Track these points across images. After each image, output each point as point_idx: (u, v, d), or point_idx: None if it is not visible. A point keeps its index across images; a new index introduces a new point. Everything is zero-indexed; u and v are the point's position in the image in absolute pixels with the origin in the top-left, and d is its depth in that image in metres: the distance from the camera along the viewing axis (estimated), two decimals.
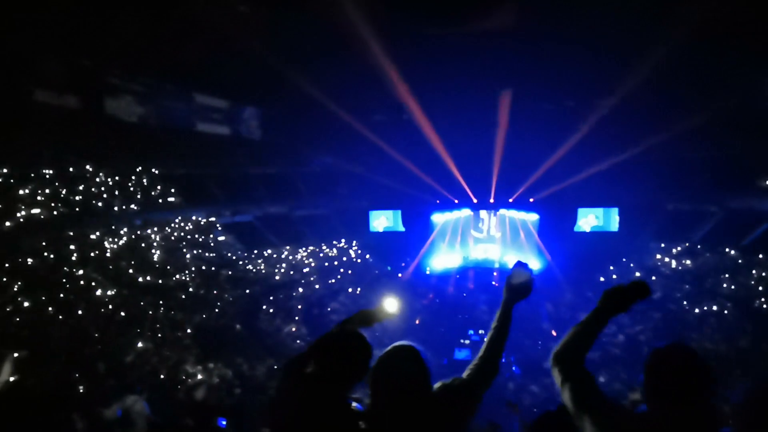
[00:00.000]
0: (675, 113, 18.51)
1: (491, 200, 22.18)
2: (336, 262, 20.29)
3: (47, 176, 13.98)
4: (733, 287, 15.30)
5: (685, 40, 14.57)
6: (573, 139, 19.35)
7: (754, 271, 15.47)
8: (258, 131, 23.53)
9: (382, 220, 23.33)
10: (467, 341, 15.40)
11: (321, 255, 20.65)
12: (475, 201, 22.36)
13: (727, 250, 17.10)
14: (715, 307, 14.44)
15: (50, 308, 11.09)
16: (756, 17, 13.62)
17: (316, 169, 24.01)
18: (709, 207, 19.59)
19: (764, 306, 13.86)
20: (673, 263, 17.76)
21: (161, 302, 13.53)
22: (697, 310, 14.60)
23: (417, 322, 16.86)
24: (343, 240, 22.04)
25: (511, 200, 22.02)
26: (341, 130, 21.55)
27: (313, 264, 19.64)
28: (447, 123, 20.77)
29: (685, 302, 15.41)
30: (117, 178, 15.97)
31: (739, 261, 16.34)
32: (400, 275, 20.77)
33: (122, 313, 12.18)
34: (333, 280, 18.70)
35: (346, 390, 2.12)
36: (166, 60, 16.34)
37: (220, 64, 17.18)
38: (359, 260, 21.11)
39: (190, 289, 14.89)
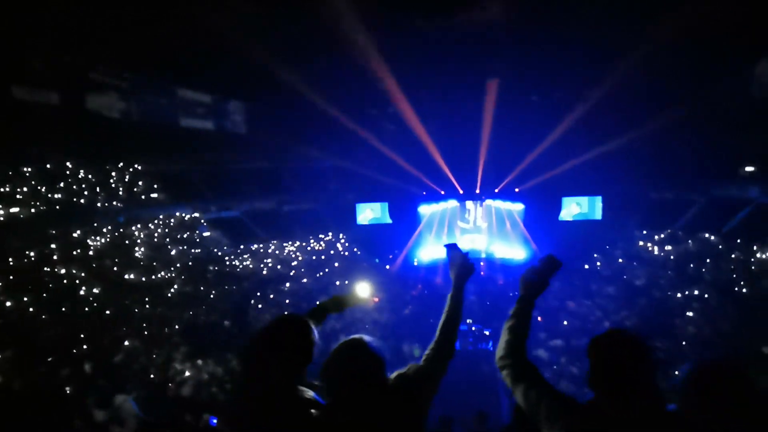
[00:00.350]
0: (659, 104, 18.79)
1: (477, 191, 22.30)
2: (324, 256, 20.26)
3: (27, 174, 13.73)
4: (714, 273, 15.57)
5: (671, 33, 14.74)
6: (558, 130, 19.50)
7: (734, 256, 15.77)
8: (244, 126, 23.36)
9: (369, 213, 23.33)
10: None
11: (309, 249, 20.61)
12: (461, 192, 22.46)
13: (708, 236, 17.40)
14: (697, 292, 14.69)
15: (33, 308, 10.94)
16: (740, 11, 13.81)
17: (302, 163, 23.90)
18: (691, 195, 19.94)
19: (744, 290, 14.13)
20: (656, 250, 18.04)
21: (148, 300, 13.39)
22: (679, 296, 14.85)
23: (407, 311, 16.93)
24: (330, 233, 22.00)
25: (496, 191, 22.16)
26: (327, 124, 21.46)
27: (301, 258, 19.59)
28: (433, 115, 20.80)
29: (668, 288, 15.66)
30: (99, 174, 15.73)
31: (720, 247, 16.64)
32: (387, 267, 20.79)
33: (108, 312, 12.04)
34: (321, 274, 18.66)
35: (293, 375, 2.11)
36: (149, 54, 16.12)
37: (204, 58, 16.99)
38: (347, 253, 21.10)
39: (177, 286, 14.77)
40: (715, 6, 13.99)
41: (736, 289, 14.40)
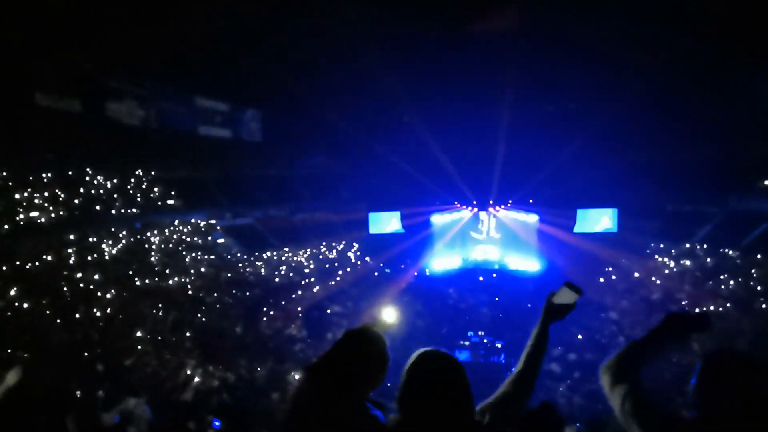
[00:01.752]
0: (676, 115, 18.58)
1: (491, 201, 22.20)
2: (336, 264, 20.29)
3: (46, 179, 13.95)
4: (733, 288, 15.29)
5: (687, 43, 14.64)
6: (573, 141, 19.37)
7: (753, 272, 15.47)
8: (258, 133, 23.55)
9: (381, 222, 23.34)
10: (467, 342, 15.38)
11: (321, 257, 20.66)
12: (474, 202, 22.38)
13: (726, 251, 17.09)
14: (714, 308, 14.44)
15: (49, 312, 11.08)
16: (757, 19, 13.66)
17: (315, 171, 24.03)
18: (708, 208, 19.62)
19: (764, 306, 13.84)
20: (673, 264, 17.75)
21: (161, 305, 13.50)
22: (697, 311, 14.59)
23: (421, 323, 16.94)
24: (343, 242, 22.05)
25: (510, 202, 22.04)
26: (341, 132, 21.58)
27: (313, 266, 19.64)
28: (447, 125, 20.81)
29: (685, 303, 15.40)
30: (116, 180, 15.94)
31: (739, 262, 16.33)
32: (415, 274, 20.76)
33: (122, 316, 12.16)
34: (333, 282, 18.69)
35: (364, 394, 2.02)
36: (167, 62, 16.38)
37: (220, 66, 17.21)
38: (359, 262, 21.11)
39: (190, 292, 14.88)
40: (733, 16, 13.87)
41: (755, 305, 14.11)
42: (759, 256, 15.94)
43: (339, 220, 23.29)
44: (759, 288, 14.72)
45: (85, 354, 10.31)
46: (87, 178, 15.13)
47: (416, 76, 17.81)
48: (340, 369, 1.96)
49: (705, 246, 17.91)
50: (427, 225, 22.49)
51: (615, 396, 2.00)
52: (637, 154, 20.24)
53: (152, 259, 15.12)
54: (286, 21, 15.07)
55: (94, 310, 11.84)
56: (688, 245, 18.36)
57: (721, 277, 15.88)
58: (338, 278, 19.12)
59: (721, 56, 15.89)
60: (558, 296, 2.29)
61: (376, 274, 20.45)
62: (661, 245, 18.84)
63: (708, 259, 17.21)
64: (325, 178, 24.01)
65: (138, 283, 13.82)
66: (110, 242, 14.34)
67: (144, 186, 16.91)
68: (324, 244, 21.51)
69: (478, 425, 1.90)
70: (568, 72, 17.82)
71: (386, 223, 23.32)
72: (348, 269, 20.10)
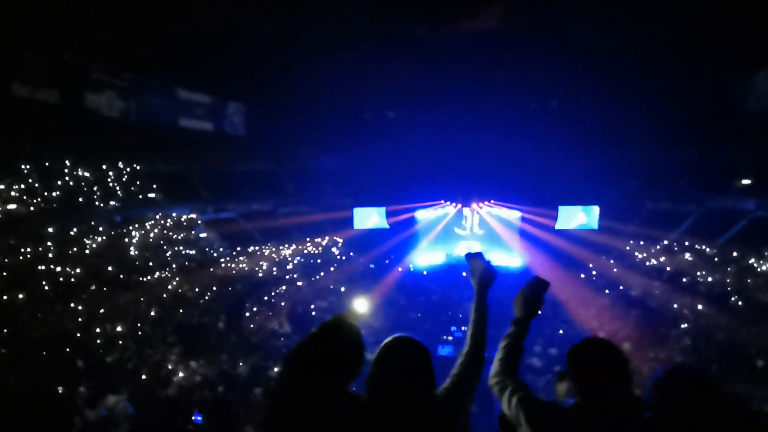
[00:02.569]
0: (656, 116, 18.92)
1: (475, 198, 22.35)
2: (320, 260, 20.25)
3: (25, 171, 13.69)
4: (710, 284, 15.63)
5: (669, 47, 14.89)
6: (556, 140, 19.59)
7: (729, 268, 15.83)
8: (242, 127, 23.37)
9: (366, 217, 23.35)
10: (450, 337, 15.48)
11: (305, 252, 20.59)
12: (459, 199, 22.51)
13: (704, 247, 17.46)
14: (691, 303, 14.74)
15: (28, 306, 10.89)
16: (735, 24, 13.93)
17: (300, 166, 23.93)
18: (687, 206, 20.03)
19: (739, 303, 14.17)
20: (652, 260, 18.09)
21: (142, 300, 13.36)
22: (675, 306, 14.89)
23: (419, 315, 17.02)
24: (327, 237, 22.01)
25: (494, 199, 22.22)
26: (327, 127, 21.52)
27: (297, 261, 19.57)
28: (432, 121, 20.88)
29: (663, 299, 15.70)
30: (97, 173, 15.70)
31: (716, 258, 16.70)
32: (399, 269, 20.79)
33: (102, 312, 12.00)
34: (317, 277, 18.65)
35: (342, 384, 2.01)
36: (148, 54, 16.13)
37: (204, 58, 17.00)
38: (343, 257, 21.09)
39: (172, 287, 14.73)
40: (713, 20, 14.13)
41: (731, 301, 14.44)
42: (735, 254, 16.32)
43: (323, 216, 23.24)
44: (735, 284, 15.06)
45: (66, 349, 10.16)
46: (66, 170, 14.88)
47: (402, 73, 17.82)
48: (316, 360, 1.96)
49: (683, 243, 18.27)
50: (411, 221, 22.56)
51: (504, 400, 2.12)
52: (619, 154, 20.58)
53: (133, 253, 14.94)
54: (272, 16, 14.95)
55: (74, 305, 11.67)
56: (666, 242, 18.72)
57: (698, 273, 16.22)
58: (322, 273, 19.08)
59: (701, 60, 16.22)
60: (473, 272, 2.46)
61: (360, 269, 20.45)
62: (641, 242, 19.19)
63: (685, 256, 17.56)
64: (309, 174, 23.93)
65: (119, 277, 13.65)
66: (90, 236, 14.13)
67: (125, 179, 16.69)
68: (308, 239, 21.45)
69: (436, 401, 1.99)
70: (552, 72, 18.01)
71: (371, 218, 23.33)
72: (332, 265, 20.07)
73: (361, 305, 2.73)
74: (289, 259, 19.70)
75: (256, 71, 18.24)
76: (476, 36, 15.93)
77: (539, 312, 2.38)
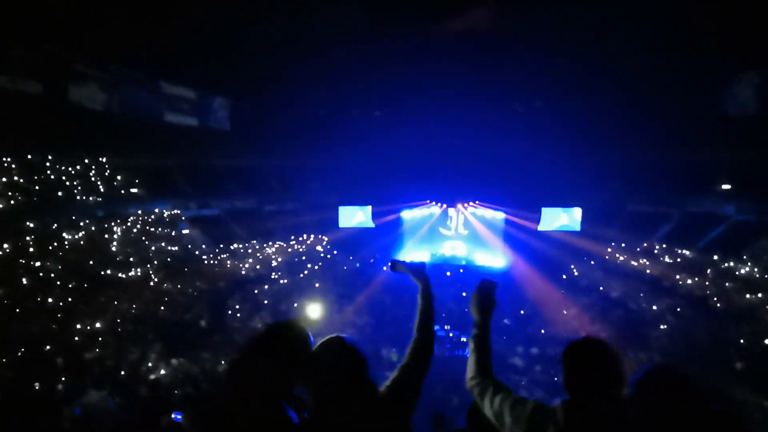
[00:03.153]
0: (639, 119, 19.23)
1: (460, 198, 22.51)
2: (304, 258, 20.19)
3: (5, 164, 13.44)
4: (689, 287, 15.92)
5: (650, 50, 15.11)
6: (540, 141, 19.80)
7: (709, 271, 16.13)
8: (227, 123, 23.17)
9: (351, 216, 23.34)
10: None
11: (290, 250, 20.52)
12: (444, 199, 22.64)
13: (684, 251, 17.78)
14: (671, 306, 15.01)
15: (7, 302, 10.71)
16: (717, 29, 14.17)
17: (285, 162, 23.81)
18: (668, 209, 20.39)
19: (719, 305, 14.46)
20: (633, 262, 18.38)
21: (123, 296, 13.20)
22: (655, 308, 15.14)
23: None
24: (312, 235, 21.95)
25: (478, 200, 22.40)
26: (313, 124, 21.45)
27: (281, 259, 19.50)
28: (418, 121, 20.93)
29: (644, 301, 15.97)
30: (79, 167, 15.48)
31: (696, 261, 17.01)
32: (385, 268, 20.79)
33: (83, 307, 11.84)
34: (301, 276, 18.60)
35: (284, 389, 1.97)
36: (132, 47, 15.89)
37: (189, 52, 16.81)
38: (328, 256, 21.07)
39: (153, 284, 14.59)
40: (695, 25, 14.37)
41: (711, 303, 14.73)
42: (715, 257, 16.64)
43: (308, 214, 23.17)
44: (714, 287, 15.36)
45: (46, 347, 10.01)
46: (48, 164, 14.64)
47: (388, 73, 17.84)
48: (258, 364, 1.92)
49: (664, 245, 18.60)
50: (397, 220, 22.62)
51: (485, 403, 2.15)
52: (601, 156, 20.86)
53: (115, 249, 14.75)
54: (260, 11, 14.84)
55: (54, 300, 11.50)
56: (647, 245, 19.04)
57: (678, 276, 16.51)
58: (306, 272, 19.03)
59: (683, 65, 16.49)
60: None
61: (345, 267, 20.44)
62: (622, 244, 19.49)
63: (666, 258, 17.87)
64: (295, 171, 23.82)
65: (100, 273, 13.47)
66: (71, 231, 13.92)
67: (107, 174, 16.48)
68: (293, 237, 21.38)
69: (381, 397, 2.02)
70: (537, 75, 18.19)
71: (356, 217, 23.33)
72: (317, 263, 20.04)
73: (313, 311, 2.70)
74: (274, 256, 19.62)
75: (243, 66, 18.08)
76: (462, 38, 16.00)
77: (493, 310, 2.41)
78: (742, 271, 15.47)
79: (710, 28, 14.35)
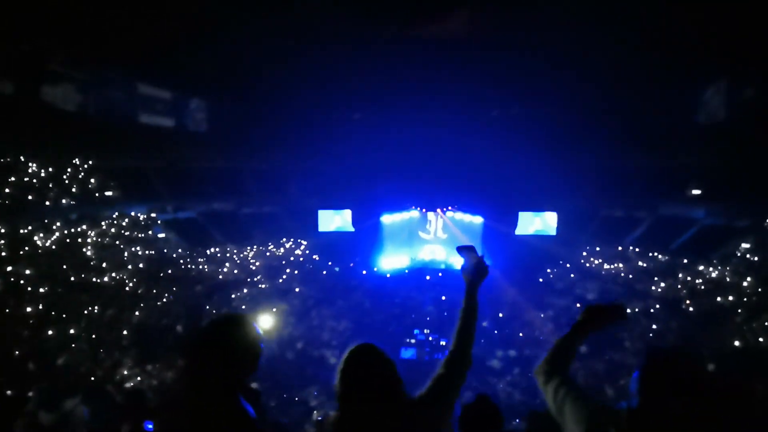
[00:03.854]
0: (612, 126, 19.67)
1: (439, 203, 22.65)
2: (283, 262, 20.05)
3: None
4: (662, 289, 16.27)
5: (623, 58, 15.47)
6: (517, 147, 20.09)
7: (680, 274, 16.52)
8: (205, 125, 22.93)
9: (331, 220, 23.27)
10: (413, 340, 15.61)
11: (268, 254, 20.36)
12: (423, 203, 22.75)
13: (656, 254, 18.18)
14: (645, 308, 15.33)
15: None
16: (689, 38, 14.57)
17: (263, 166, 23.63)
18: (640, 213, 20.85)
19: (691, 308, 14.80)
20: (607, 266, 18.73)
21: (97, 301, 12.93)
22: (628, 310, 15.43)
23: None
24: (291, 239, 21.83)
25: (457, 204, 22.57)
26: (292, 127, 21.36)
27: (259, 263, 19.33)
28: (398, 125, 21.03)
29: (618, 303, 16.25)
30: (51, 169, 15.13)
31: (668, 264, 17.39)
32: (364, 272, 20.80)
33: (55, 313, 11.57)
34: (280, 280, 18.47)
35: (234, 381, 1.94)
36: (108, 46, 15.64)
37: (166, 53, 16.61)
38: (307, 260, 20.96)
39: (128, 288, 14.32)
40: (667, 33, 14.76)
41: (682, 305, 15.07)
42: (685, 260, 17.05)
43: (287, 217, 23.04)
44: (685, 289, 15.73)
45: (16, 352, 9.75)
46: (19, 166, 14.28)
47: (367, 77, 17.93)
48: (208, 356, 1.90)
49: (636, 249, 19.00)
50: (376, 224, 22.63)
51: (549, 391, 2.11)
52: (576, 162, 21.27)
53: (88, 252, 14.45)
54: (238, 13, 14.76)
55: (25, 305, 11.21)
56: (620, 248, 19.43)
57: (651, 278, 16.88)
58: (285, 276, 18.91)
59: (655, 75, 16.92)
60: (464, 267, 2.35)
61: (324, 272, 20.37)
62: (597, 248, 19.86)
63: (639, 262, 18.25)
64: (273, 174, 23.65)
65: (73, 278, 13.18)
66: (43, 234, 13.59)
67: (81, 175, 16.13)
68: (271, 241, 21.22)
69: (411, 404, 1.97)
70: (513, 83, 18.50)
71: (336, 221, 23.27)
72: (296, 267, 19.92)
73: (266, 321, 2.69)
74: (252, 260, 19.45)
75: (220, 68, 17.96)
76: (440, 44, 16.19)
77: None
78: (713, 274, 15.86)
79: (682, 38, 14.76)
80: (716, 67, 17.02)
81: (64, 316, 11.64)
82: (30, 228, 13.43)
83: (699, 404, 1.76)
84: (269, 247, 20.81)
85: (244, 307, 16.11)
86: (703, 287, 15.51)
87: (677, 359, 1.93)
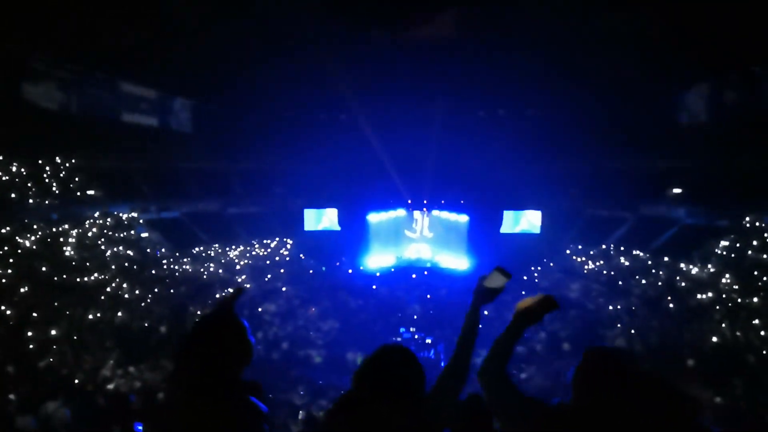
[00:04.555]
0: (596, 128, 19.96)
1: (425, 201, 22.70)
2: (269, 261, 19.97)
3: None
4: (643, 287, 16.53)
5: (607, 60, 15.68)
6: (502, 146, 20.27)
7: (661, 273, 16.79)
8: (189, 124, 22.71)
9: (316, 219, 23.22)
10: (399, 339, 15.66)
11: (253, 254, 20.26)
12: (409, 202, 22.79)
13: (638, 253, 18.46)
14: (626, 306, 15.57)
15: None
16: (671, 40, 14.80)
17: (249, 165, 23.50)
18: (623, 213, 21.16)
19: (671, 305, 15.06)
20: (590, 264, 18.98)
21: (79, 302, 12.77)
22: (611, 308, 15.67)
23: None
24: (277, 239, 21.74)
25: (442, 202, 22.65)
26: (277, 127, 21.28)
27: (244, 263, 19.23)
28: (383, 124, 21.06)
29: (600, 301, 16.50)
30: (33, 169, 14.88)
31: (649, 263, 17.67)
32: (350, 271, 20.78)
33: (36, 314, 11.40)
34: (266, 280, 18.40)
35: (234, 375, 1.96)
36: (90, 44, 15.43)
37: (151, 51, 16.42)
38: (293, 259, 20.90)
39: (110, 289, 14.15)
40: (650, 35, 14.98)
41: (663, 303, 15.32)
42: (666, 258, 17.34)
43: (273, 217, 22.94)
44: (666, 287, 16.00)
45: None
46: None
47: (353, 77, 17.91)
48: (202, 353, 1.91)
49: (619, 248, 19.28)
50: (363, 223, 22.62)
51: (491, 393, 2.19)
52: (560, 162, 21.52)
53: (70, 253, 14.25)
54: (224, 13, 14.67)
55: (4, 307, 11.03)
56: (603, 247, 19.70)
57: (633, 277, 17.14)
58: (271, 276, 18.84)
59: (638, 78, 17.18)
60: (489, 279, 2.46)
61: (311, 271, 20.33)
62: (580, 246, 20.11)
63: (621, 260, 18.52)
64: (258, 173, 23.53)
65: (54, 278, 12.99)
66: (24, 235, 13.37)
67: (62, 175, 15.88)
68: (257, 240, 21.12)
69: (420, 402, 2.01)
70: (499, 84, 18.64)
71: (322, 221, 23.23)
72: (282, 266, 19.86)
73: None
74: (237, 260, 19.35)
75: (206, 67, 17.80)
76: (426, 45, 16.25)
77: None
78: (693, 272, 16.15)
79: (664, 41, 14.99)
80: (698, 69, 17.31)
81: (45, 317, 11.47)
82: (10, 228, 13.21)
83: (627, 400, 1.81)
84: (254, 247, 20.72)
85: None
86: (683, 284, 15.79)
87: (610, 358, 2.01)
